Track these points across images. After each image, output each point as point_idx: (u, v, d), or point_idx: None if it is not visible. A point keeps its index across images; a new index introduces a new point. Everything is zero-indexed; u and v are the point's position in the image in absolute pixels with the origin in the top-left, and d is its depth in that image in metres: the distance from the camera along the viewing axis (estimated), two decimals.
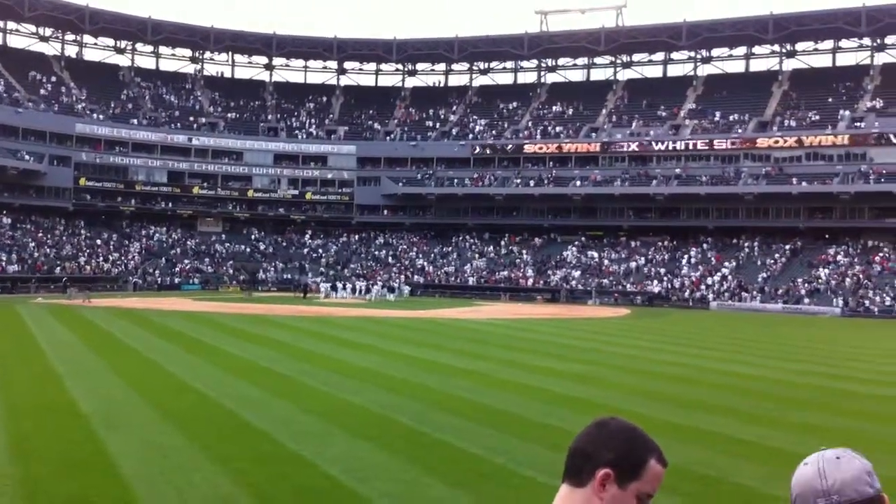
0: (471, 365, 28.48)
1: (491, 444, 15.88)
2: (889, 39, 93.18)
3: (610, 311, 69.78)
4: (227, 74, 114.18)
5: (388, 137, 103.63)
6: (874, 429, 18.43)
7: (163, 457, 14.57)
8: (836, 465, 2.15)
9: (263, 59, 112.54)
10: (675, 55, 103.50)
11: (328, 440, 16.22)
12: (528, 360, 30.61)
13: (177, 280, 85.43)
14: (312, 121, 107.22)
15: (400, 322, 49.84)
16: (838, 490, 2.11)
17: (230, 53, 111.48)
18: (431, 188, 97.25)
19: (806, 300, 74.33)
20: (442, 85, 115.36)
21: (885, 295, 72.41)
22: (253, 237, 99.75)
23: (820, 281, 76.95)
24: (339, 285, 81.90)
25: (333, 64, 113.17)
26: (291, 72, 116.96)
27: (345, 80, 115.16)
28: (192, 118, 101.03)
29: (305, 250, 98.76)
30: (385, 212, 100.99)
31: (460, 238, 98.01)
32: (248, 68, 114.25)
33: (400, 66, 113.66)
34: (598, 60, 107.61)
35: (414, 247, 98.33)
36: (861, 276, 76.12)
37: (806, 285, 76.53)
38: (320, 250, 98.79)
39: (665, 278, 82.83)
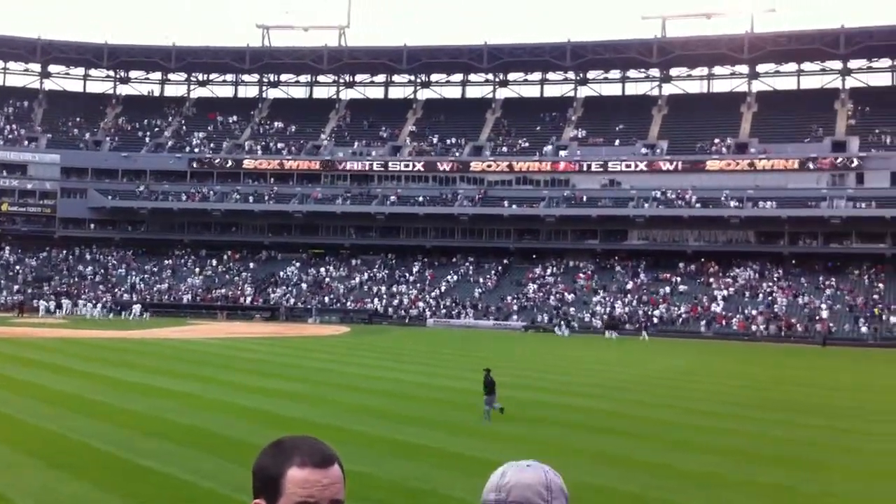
0: (181, 386, 27.09)
1: (199, 468, 15.23)
2: (591, 74, 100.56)
3: (330, 329, 69.56)
4: None
5: (97, 147, 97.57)
6: (565, 435, 19.19)
7: None
8: (521, 470, 2.34)
9: None
10: (396, 78, 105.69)
11: (20, 471, 14.66)
12: (243, 379, 29.51)
13: None
14: (12, 127, 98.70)
15: (105, 343, 46.61)
16: (510, 489, 2.31)
17: None
18: (144, 202, 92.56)
19: (515, 317, 78.17)
20: (158, 95, 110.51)
21: (585, 312, 77.63)
22: None
23: (528, 299, 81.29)
24: (68, 303, 76.98)
25: (37, 67, 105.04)
26: None
27: (49, 85, 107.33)
28: None
29: None
30: (93, 226, 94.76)
31: (175, 255, 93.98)
32: None
33: (112, 73, 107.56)
34: (321, 79, 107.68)
35: (124, 263, 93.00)
36: (564, 293, 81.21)
37: (515, 302, 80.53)
38: (17, 266, 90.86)
39: (385, 296, 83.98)
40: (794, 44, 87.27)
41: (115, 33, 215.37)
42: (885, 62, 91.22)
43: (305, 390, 27.06)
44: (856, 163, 79.69)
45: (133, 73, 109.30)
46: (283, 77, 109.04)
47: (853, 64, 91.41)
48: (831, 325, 71.03)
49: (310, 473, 2.21)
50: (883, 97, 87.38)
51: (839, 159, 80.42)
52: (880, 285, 76.37)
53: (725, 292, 77.97)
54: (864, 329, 70.16)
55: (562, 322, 74.09)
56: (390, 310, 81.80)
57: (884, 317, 71.30)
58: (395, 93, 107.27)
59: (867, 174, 78.91)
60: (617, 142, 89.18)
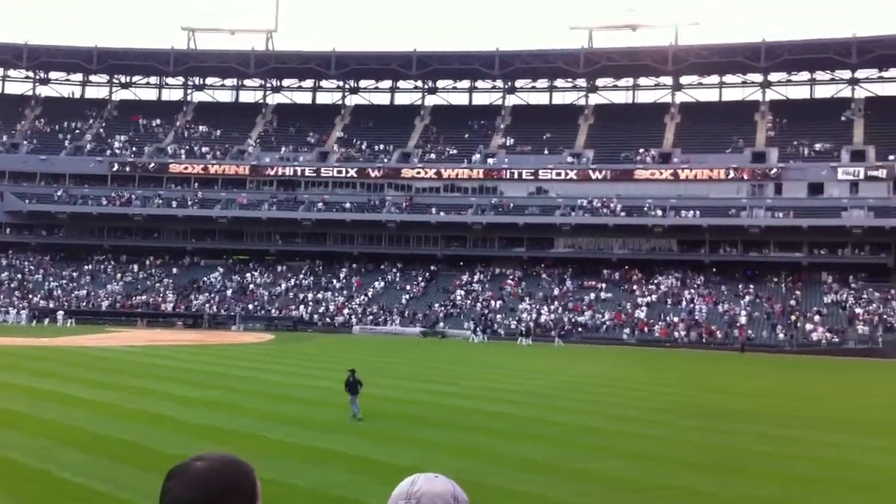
0: (99, 395, 26.43)
1: (117, 479, 14.98)
2: (519, 83, 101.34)
3: (254, 336, 68.65)
4: None
5: (14, 150, 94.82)
6: (486, 441, 19.20)
7: None
8: (431, 480, 2.45)
9: None
10: (324, 83, 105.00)
11: None
12: (162, 388, 28.93)
13: None
14: None
15: (20, 351, 45.22)
16: (420, 497, 2.40)
17: None
18: (63, 206, 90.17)
19: (441, 324, 78.21)
20: (78, 97, 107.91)
21: (511, 319, 78.06)
22: None
23: (454, 305, 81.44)
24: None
25: None
26: None
27: None
28: None
29: None
30: (9, 230, 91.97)
31: (95, 260, 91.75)
32: None
33: (31, 73, 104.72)
34: (247, 83, 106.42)
35: (41, 269, 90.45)
36: (491, 300, 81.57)
37: (442, 309, 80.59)
38: None
39: (311, 303, 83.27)
40: (717, 56, 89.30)
41: (35, 33, 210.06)
42: (804, 75, 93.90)
43: (225, 398, 26.61)
44: (774, 173, 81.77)
45: (53, 74, 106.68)
46: (209, 80, 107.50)
47: (773, 77, 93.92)
48: (750, 331, 72.70)
49: None
50: (801, 109, 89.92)
51: (758, 170, 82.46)
52: (797, 293, 78.45)
53: (648, 299, 79.22)
54: (781, 336, 71.96)
55: (477, 328, 74.37)
56: (316, 317, 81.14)
57: (799, 324, 73.25)
58: (323, 98, 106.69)
59: (785, 185, 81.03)
60: (545, 150, 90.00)
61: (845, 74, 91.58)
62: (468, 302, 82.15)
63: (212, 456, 2.28)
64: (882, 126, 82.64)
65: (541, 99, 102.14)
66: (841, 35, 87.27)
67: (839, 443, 21.30)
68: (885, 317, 71.49)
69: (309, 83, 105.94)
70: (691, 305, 77.73)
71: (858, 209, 77.71)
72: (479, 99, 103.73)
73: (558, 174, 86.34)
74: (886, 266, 77.16)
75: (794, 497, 15.22)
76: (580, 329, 75.69)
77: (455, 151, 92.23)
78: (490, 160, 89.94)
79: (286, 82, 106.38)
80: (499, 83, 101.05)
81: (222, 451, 2.34)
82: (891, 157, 78.35)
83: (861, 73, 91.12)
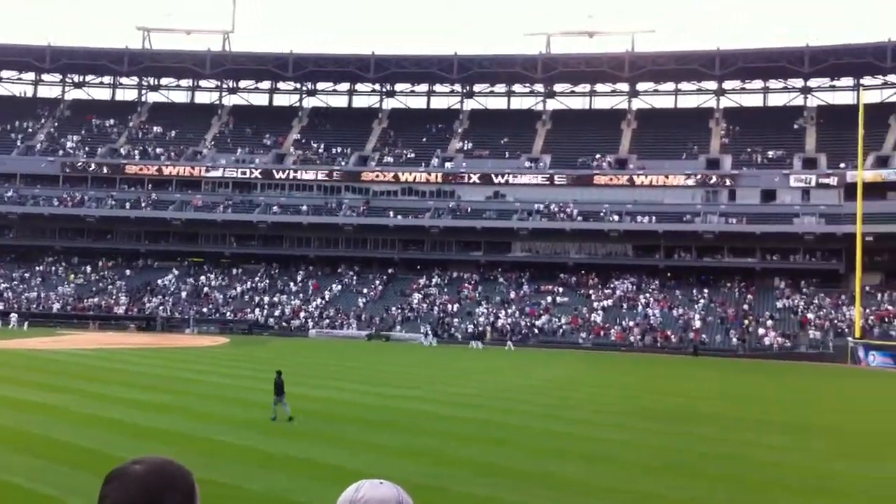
0: (50, 399, 25.92)
1: (67, 484, 14.68)
2: (477, 87, 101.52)
3: (208, 339, 67.89)
4: None
5: None
6: (444, 445, 19.14)
7: None
8: (376, 486, 2.47)
9: None
10: (281, 85, 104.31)
11: None
12: (114, 392, 28.48)
13: None
14: None
15: None
16: (365, 503, 2.43)
17: None
18: (13, 207, 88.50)
19: (398, 328, 78.02)
20: (31, 96, 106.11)
21: (468, 323, 78.08)
22: None
23: (412, 309, 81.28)
24: None
25: None
26: None
27: None
28: None
29: None
30: None
31: (46, 262, 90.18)
32: None
33: None
34: (203, 83, 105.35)
35: None
36: (448, 304, 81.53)
37: (399, 313, 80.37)
38: None
39: (266, 306, 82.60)
40: (672, 64, 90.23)
41: None
42: (758, 84, 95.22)
43: (177, 402, 26.24)
44: (728, 180, 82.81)
45: (5, 73, 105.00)
46: (164, 81, 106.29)
47: (728, 85, 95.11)
48: (704, 336, 73.47)
49: None
50: (754, 117, 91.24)
51: (713, 177, 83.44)
52: (750, 297, 79.49)
53: (604, 304, 79.73)
54: (734, 340, 72.82)
55: (428, 331, 74.33)
56: (271, 320, 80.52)
57: (752, 328, 74.19)
58: (280, 100, 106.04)
59: (739, 191, 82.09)
60: (503, 155, 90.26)
61: (798, 83, 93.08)
62: (425, 306, 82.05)
63: (150, 459, 2.25)
64: (833, 134, 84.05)
65: (499, 104, 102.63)
66: (794, 44, 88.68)
67: (792, 446, 21.55)
68: (835, 322, 72.66)
69: (266, 85, 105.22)
70: (646, 310, 78.36)
71: (810, 216, 78.96)
72: (438, 103, 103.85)
73: (516, 179, 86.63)
74: (837, 272, 78.46)
75: (746, 500, 15.34)
76: (537, 333, 75.94)
77: (413, 155, 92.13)
78: (448, 164, 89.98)
79: (243, 83, 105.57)
80: (457, 87, 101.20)
81: (161, 455, 2.31)
82: (842, 165, 79.72)
83: (813, 82, 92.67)
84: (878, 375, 57.32)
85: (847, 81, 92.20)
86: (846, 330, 70.12)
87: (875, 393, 43.53)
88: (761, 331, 73.22)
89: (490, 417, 24.96)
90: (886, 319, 71.60)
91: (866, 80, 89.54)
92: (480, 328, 76.35)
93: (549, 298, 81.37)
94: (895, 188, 78.44)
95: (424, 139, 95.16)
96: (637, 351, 70.97)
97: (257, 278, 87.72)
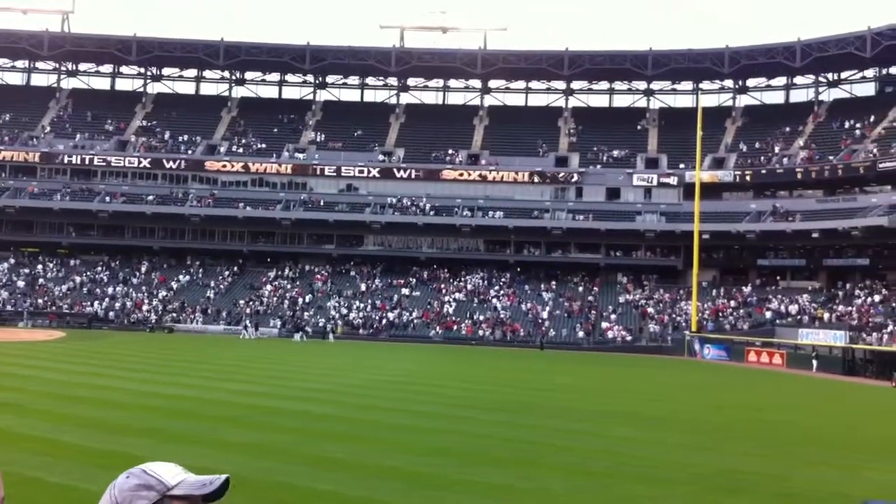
0: None
1: None
2: (330, 78, 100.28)
3: (44, 333, 64.54)
4: None
5: None
6: (294, 441, 18.72)
7: None
8: (124, 481, 2.50)
9: None
10: (124, 69, 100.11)
11: None
12: None
13: None
14: None
15: None
16: (121, 501, 2.46)
17: None
18: None
19: (247, 321, 76.30)
20: None
21: (319, 317, 77.21)
22: None
23: (262, 302, 79.73)
24: None
25: None
26: None
27: None
28: None
29: None
30: None
31: None
32: None
33: None
34: (40, 65, 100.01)
35: None
36: (299, 297, 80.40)
37: (249, 307, 78.68)
38: None
39: (107, 298, 79.23)
40: (523, 62, 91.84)
41: None
42: (604, 85, 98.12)
43: (12, 399, 24.62)
44: (576, 178, 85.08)
45: None
46: None
47: (576, 85, 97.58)
48: (551, 329, 75.22)
49: None
50: (601, 117, 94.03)
51: (561, 174, 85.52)
52: (595, 290, 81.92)
53: (455, 297, 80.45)
54: (580, 334, 74.88)
55: (248, 324, 73.22)
56: (112, 314, 77.32)
57: (596, 322, 76.49)
58: (123, 85, 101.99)
59: (585, 189, 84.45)
60: (357, 147, 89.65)
61: (641, 85, 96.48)
62: (275, 299, 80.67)
63: None
64: (673, 135, 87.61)
65: (352, 96, 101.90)
66: (639, 48, 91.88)
67: (632, 437, 22.12)
68: (674, 316, 75.79)
69: (108, 68, 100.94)
70: (496, 304, 79.55)
71: (651, 214, 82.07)
72: (290, 93, 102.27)
73: (369, 172, 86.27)
74: (676, 268, 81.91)
75: (587, 488, 15.57)
76: (389, 326, 75.88)
77: (264, 145, 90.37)
78: (300, 155, 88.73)
79: (83, 66, 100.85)
80: (310, 78, 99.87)
81: None
82: (681, 166, 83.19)
83: (656, 85, 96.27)
84: (711, 367, 60.12)
85: (687, 85, 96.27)
86: (684, 324, 73.29)
87: (710, 384, 45.52)
88: (605, 324, 75.58)
89: (335, 412, 24.57)
90: (721, 314, 75.24)
91: (705, 85, 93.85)
92: (298, 321, 75.59)
93: (402, 291, 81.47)
94: (730, 189, 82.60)
95: (276, 129, 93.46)
96: (487, 344, 71.96)
97: (98, 269, 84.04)
